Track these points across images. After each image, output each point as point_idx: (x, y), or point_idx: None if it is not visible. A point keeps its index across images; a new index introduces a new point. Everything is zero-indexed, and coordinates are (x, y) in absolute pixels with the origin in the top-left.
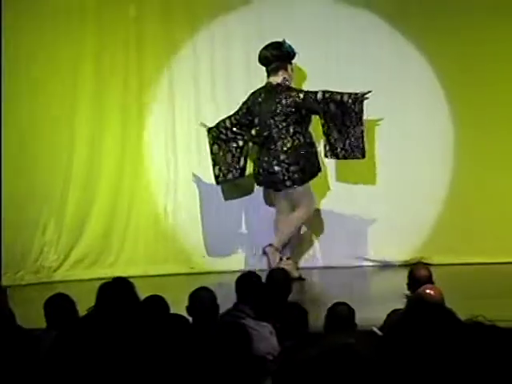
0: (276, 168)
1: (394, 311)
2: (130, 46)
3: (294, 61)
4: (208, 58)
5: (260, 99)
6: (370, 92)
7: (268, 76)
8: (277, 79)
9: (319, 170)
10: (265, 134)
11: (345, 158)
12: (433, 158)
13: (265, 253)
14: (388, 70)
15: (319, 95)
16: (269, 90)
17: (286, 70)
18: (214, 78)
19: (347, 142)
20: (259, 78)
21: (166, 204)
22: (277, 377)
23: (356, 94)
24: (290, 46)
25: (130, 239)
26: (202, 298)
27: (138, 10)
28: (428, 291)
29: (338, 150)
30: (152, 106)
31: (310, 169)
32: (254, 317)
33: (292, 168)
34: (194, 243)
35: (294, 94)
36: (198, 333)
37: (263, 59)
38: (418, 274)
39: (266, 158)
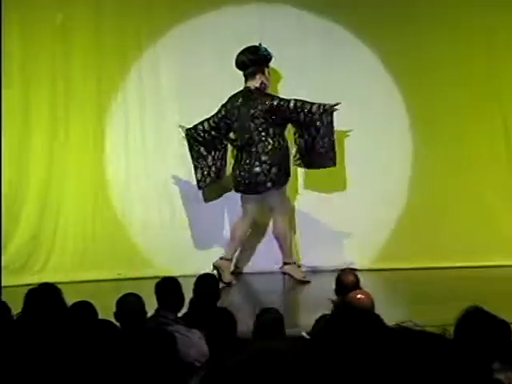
0: (257, 169)
1: (323, 316)
2: (56, 56)
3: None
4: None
5: (238, 103)
6: (338, 104)
7: (246, 80)
8: (254, 83)
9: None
10: (246, 136)
11: (308, 167)
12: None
13: (216, 268)
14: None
15: (291, 104)
16: (247, 94)
17: (263, 73)
18: (141, 75)
19: (313, 152)
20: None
21: (94, 209)
22: (204, 382)
23: (325, 105)
24: (266, 50)
25: (58, 245)
26: (129, 304)
27: (65, 18)
28: (358, 296)
29: (304, 159)
30: (80, 110)
31: (288, 171)
32: (181, 323)
33: (273, 169)
34: (121, 249)
35: (268, 100)
36: (126, 338)
37: (240, 64)
38: (345, 279)
39: (247, 161)
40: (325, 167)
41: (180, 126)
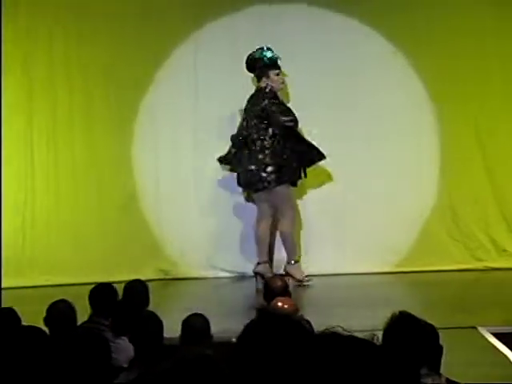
0: (253, 167)
1: (251, 322)
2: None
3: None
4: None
5: (249, 102)
6: (324, 158)
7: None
8: (261, 84)
9: (299, 178)
10: (245, 133)
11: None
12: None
13: (256, 274)
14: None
15: (282, 122)
16: (254, 93)
17: (267, 77)
18: (71, 83)
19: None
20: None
21: (24, 214)
22: None
23: (283, 123)
24: (265, 55)
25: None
26: (59, 310)
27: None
28: (279, 304)
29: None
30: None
31: (288, 173)
32: (112, 329)
33: (269, 168)
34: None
35: (265, 103)
36: (54, 344)
37: (247, 67)
38: (273, 284)
39: (246, 158)
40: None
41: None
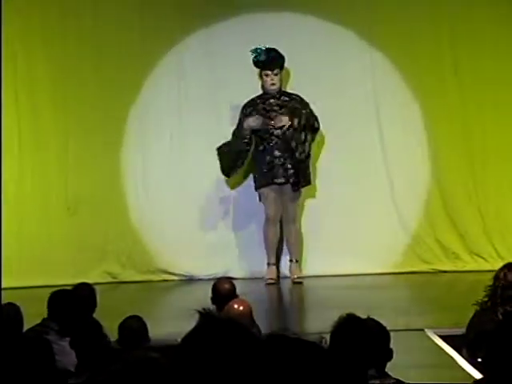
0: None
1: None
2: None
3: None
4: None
5: None
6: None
7: None
8: None
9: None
10: None
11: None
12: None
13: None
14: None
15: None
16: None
17: (260, 76)
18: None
19: None
20: None
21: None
22: None
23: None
24: (255, 57)
25: None
26: (6, 313)
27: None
28: (235, 306)
29: None
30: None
31: (257, 175)
32: (58, 332)
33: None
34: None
35: None
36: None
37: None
38: (220, 287)
39: None
40: None
41: None
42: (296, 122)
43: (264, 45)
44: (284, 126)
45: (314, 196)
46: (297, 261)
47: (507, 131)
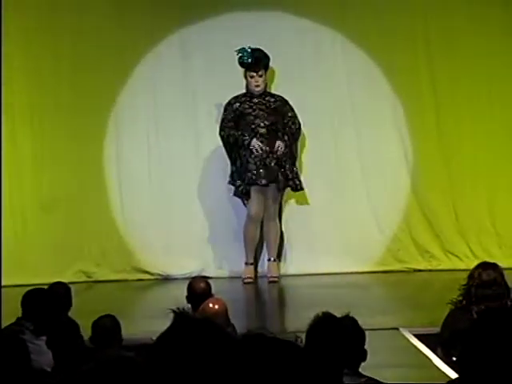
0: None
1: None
2: None
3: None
4: None
5: None
6: None
7: None
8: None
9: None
10: None
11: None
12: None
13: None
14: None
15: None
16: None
17: (245, 76)
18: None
19: None
20: None
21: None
22: None
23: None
24: (240, 57)
25: None
26: None
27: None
28: (210, 305)
29: None
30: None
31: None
32: (33, 331)
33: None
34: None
35: None
36: None
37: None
38: (196, 286)
39: None
40: None
41: None
42: (284, 143)
43: (248, 45)
44: (280, 148)
45: (294, 196)
46: (275, 260)
47: (482, 131)
